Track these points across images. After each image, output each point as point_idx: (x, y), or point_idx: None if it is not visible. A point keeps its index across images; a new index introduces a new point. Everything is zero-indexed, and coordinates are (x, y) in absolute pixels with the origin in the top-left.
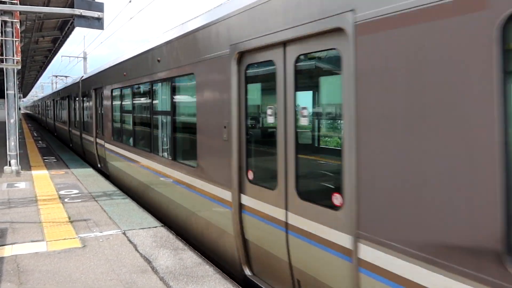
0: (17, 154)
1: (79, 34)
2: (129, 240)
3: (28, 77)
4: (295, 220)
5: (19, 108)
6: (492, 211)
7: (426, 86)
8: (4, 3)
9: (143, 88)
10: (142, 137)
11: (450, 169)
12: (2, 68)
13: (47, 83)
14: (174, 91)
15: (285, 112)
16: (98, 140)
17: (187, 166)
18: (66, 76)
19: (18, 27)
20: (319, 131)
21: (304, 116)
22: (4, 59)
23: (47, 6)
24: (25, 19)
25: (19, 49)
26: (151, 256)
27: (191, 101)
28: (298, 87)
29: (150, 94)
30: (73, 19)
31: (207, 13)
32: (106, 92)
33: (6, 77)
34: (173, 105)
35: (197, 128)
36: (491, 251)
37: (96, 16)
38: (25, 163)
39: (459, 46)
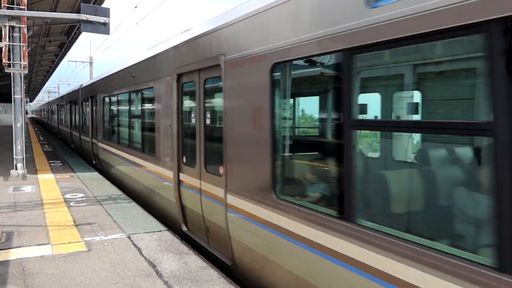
0: (23, 158)
1: (85, 39)
2: (134, 244)
3: (35, 81)
4: (204, 185)
5: (26, 112)
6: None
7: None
8: (12, 8)
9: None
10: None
11: (254, 149)
12: (10, 73)
13: (53, 87)
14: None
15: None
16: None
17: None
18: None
19: (26, 32)
20: (215, 128)
21: (208, 118)
22: (12, 64)
23: (54, 12)
24: (32, 24)
25: (26, 54)
26: (156, 260)
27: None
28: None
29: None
30: (80, 24)
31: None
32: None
33: (13, 81)
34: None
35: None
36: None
37: (102, 21)
38: (31, 167)
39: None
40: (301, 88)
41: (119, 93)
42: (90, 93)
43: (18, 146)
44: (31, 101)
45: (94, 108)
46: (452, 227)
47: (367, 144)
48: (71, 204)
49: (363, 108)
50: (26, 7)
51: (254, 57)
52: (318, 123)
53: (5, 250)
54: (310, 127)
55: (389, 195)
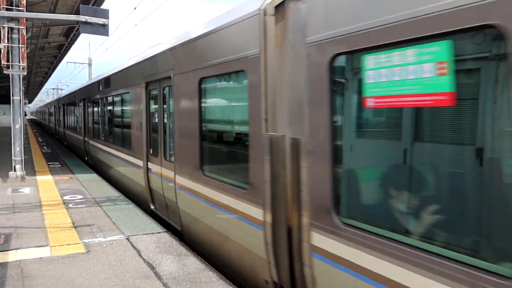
0: (22, 160)
1: (84, 40)
2: (133, 246)
3: (33, 83)
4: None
5: (25, 114)
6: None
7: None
8: (11, 10)
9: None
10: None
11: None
12: (8, 74)
13: (53, 89)
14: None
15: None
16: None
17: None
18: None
19: (24, 33)
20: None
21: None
22: (10, 65)
23: (53, 13)
24: (31, 25)
25: (25, 56)
26: (155, 261)
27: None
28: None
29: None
30: (79, 26)
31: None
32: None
33: (12, 83)
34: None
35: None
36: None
37: (101, 22)
38: (30, 169)
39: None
40: None
41: None
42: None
43: (17, 148)
44: (30, 102)
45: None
46: None
47: None
48: (70, 205)
49: None
50: (25, 9)
51: None
52: None
53: (3, 252)
54: None
55: None
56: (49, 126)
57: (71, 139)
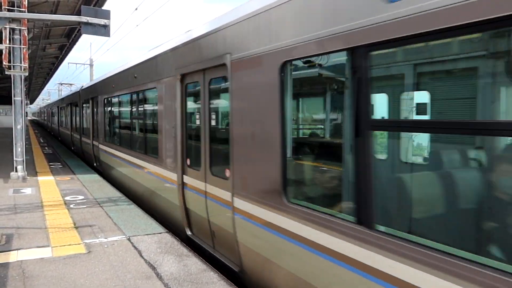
0: (23, 160)
1: (85, 41)
2: (134, 246)
3: (35, 83)
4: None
5: (26, 114)
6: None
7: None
8: (12, 11)
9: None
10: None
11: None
12: (10, 75)
13: (54, 90)
14: None
15: None
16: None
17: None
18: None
19: (26, 34)
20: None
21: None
22: (12, 66)
23: (54, 14)
24: (32, 26)
25: (27, 56)
26: (156, 262)
27: None
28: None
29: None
30: (80, 27)
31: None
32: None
33: (14, 83)
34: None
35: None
36: None
37: (102, 23)
38: (31, 169)
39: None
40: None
41: None
42: None
43: (18, 148)
44: (31, 103)
45: None
46: None
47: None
48: (71, 206)
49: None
50: (26, 10)
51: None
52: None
53: (5, 253)
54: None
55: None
56: (59, 132)
57: (113, 164)
